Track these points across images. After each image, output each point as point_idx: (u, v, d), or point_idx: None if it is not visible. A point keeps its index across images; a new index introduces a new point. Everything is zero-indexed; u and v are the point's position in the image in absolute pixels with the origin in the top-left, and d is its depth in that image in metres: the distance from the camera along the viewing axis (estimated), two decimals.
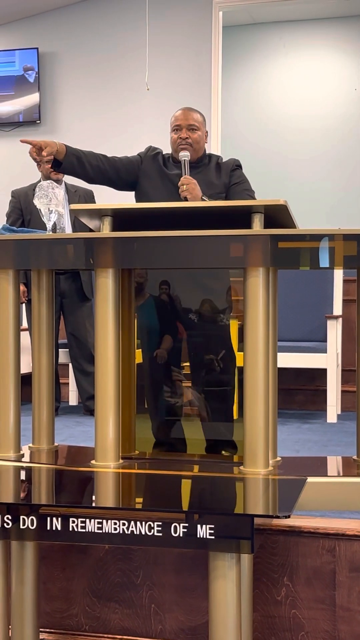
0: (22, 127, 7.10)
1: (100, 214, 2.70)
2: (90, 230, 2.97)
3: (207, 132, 3.34)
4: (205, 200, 3.08)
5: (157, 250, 2.56)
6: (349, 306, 4.85)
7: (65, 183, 4.83)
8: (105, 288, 2.59)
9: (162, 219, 2.71)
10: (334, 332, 4.55)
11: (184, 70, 6.80)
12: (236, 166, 3.29)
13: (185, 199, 3.06)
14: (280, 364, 2.94)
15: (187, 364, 3.02)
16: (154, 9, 6.55)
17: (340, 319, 4.77)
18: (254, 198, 3.27)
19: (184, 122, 3.24)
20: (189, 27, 6.78)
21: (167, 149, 3.35)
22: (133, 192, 3.31)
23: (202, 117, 3.31)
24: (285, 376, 4.77)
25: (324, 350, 4.56)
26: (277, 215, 2.56)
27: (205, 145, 3.32)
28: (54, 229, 2.83)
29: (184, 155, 3.18)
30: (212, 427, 2.98)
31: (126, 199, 3.36)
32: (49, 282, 2.92)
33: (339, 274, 4.84)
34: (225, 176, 3.26)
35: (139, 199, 3.27)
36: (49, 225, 2.81)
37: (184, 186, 3.07)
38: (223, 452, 2.95)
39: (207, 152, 3.35)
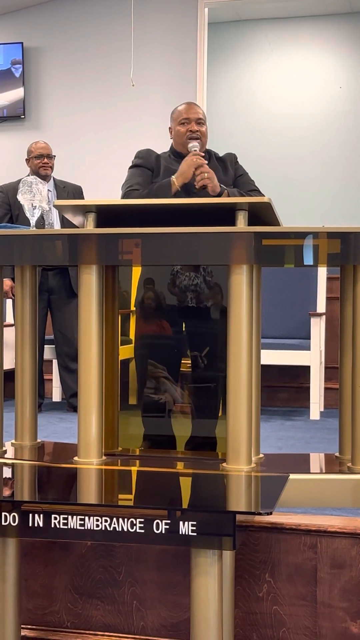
0: (6, 122, 7.07)
1: (84, 210, 2.69)
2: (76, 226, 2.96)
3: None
4: (224, 188, 3.10)
5: (141, 247, 2.56)
6: (332, 304, 4.87)
7: (54, 179, 4.81)
8: (89, 284, 2.59)
9: (147, 215, 2.70)
10: (318, 329, 4.56)
11: (169, 67, 6.79)
12: (236, 159, 3.35)
13: (204, 187, 3.04)
14: (263, 361, 2.94)
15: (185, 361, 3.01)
16: (139, 4, 6.53)
17: (324, 317, 4.78)
18: (257, 189, 3.32)
19: (192, 115, 3.25)
20: (175, 23, 6.77)
21: (150, 146, 3.34)
22: (120, 189, 3.27)
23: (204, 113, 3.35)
24: (269, 373, 4.78)
25: (308, 348, 4.57)
26: (261, 213, 2.57)
27: None
28: (40, 225, 2.82)
29: (194, 146, 3.17)
30: (196, 424, 2.98)
31: (114, 196, 3.32)
32: (33, 278, 2.91)
33: (322, 272, 4.86)
34: (232, 169, 3.31)
35: None
36: (33, 221, 2.80)
37: (205, 174, 3.03)
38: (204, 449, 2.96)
39: None
